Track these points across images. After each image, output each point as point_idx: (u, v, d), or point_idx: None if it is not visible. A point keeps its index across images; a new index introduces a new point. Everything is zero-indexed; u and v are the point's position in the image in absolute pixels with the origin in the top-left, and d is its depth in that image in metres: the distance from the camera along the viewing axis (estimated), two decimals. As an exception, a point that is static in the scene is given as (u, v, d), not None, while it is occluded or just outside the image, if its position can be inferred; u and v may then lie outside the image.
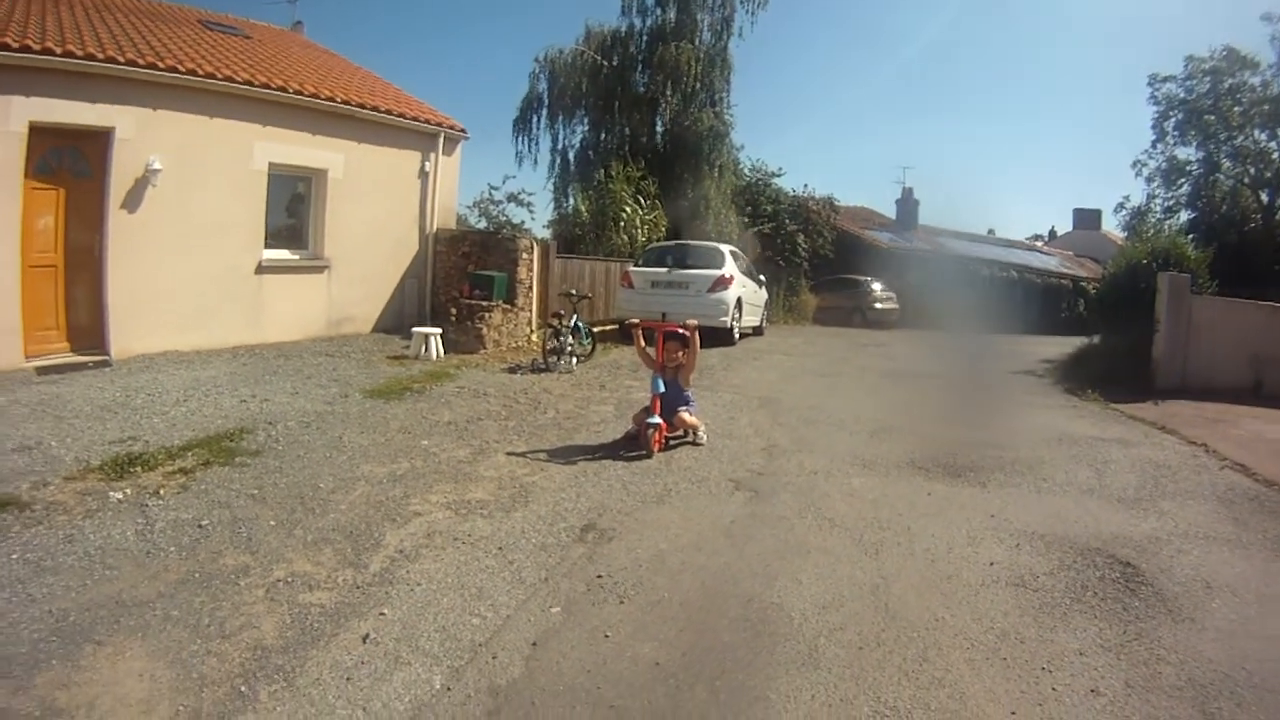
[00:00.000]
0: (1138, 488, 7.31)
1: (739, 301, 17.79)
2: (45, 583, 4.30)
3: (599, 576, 4.63)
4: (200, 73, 13.14)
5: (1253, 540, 5.99)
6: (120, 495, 5.75)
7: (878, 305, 30.49)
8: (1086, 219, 57.52)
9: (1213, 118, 41.46)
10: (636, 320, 9.19)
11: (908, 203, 43.63)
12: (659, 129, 32.03)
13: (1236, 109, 41.06)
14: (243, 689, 3.39)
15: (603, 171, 27.11)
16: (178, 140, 12.83)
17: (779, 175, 34.10)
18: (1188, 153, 44.67)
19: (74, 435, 7.41)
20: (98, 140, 11.99)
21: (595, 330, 15.91)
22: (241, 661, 3.61)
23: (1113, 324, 15.70)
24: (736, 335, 17.79)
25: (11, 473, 6.17)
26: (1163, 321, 13.54)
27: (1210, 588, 4.93)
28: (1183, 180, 45.03)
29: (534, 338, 16.20)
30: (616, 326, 17.47)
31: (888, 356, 18.46)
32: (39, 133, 11.22)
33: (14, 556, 4.60)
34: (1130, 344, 14.25)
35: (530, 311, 17.05)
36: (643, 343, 8.78)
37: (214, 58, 14.49)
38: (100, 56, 11.79)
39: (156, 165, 12.32)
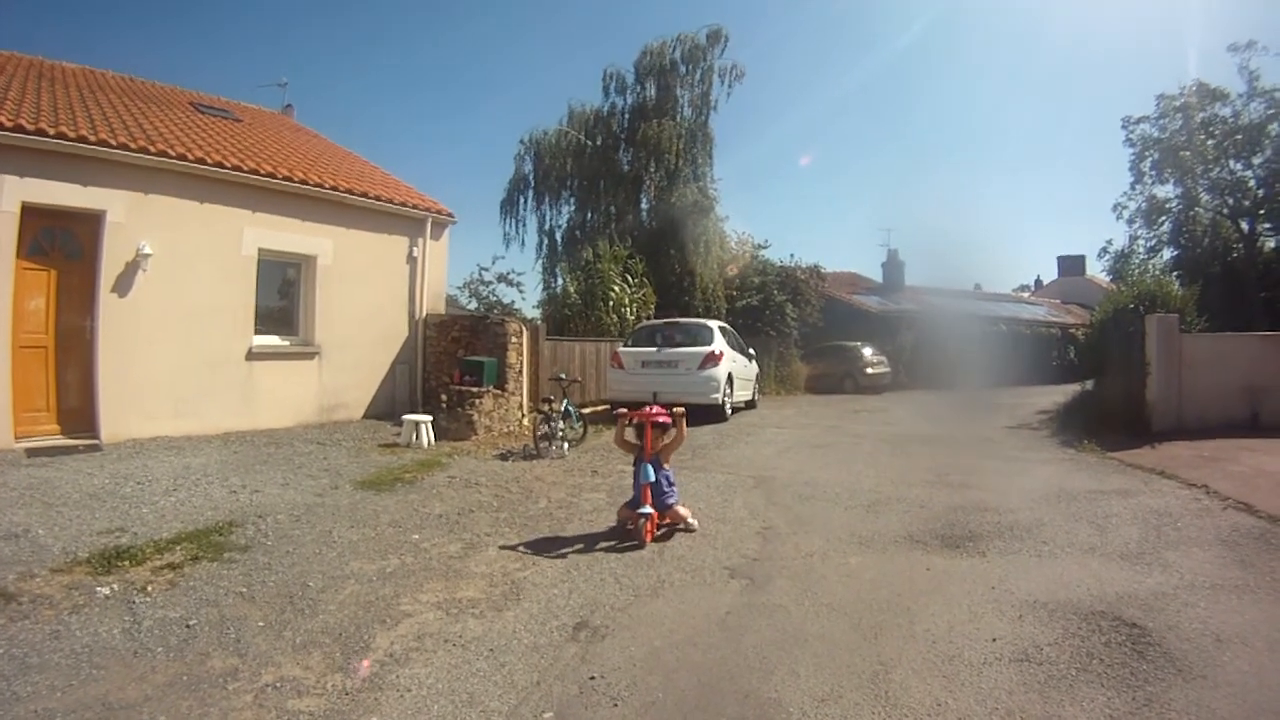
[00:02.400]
0: (1140, 540, 7.31)
1: (730, 377, 17.83)
2: (31, 681, 4.23)
3: (592, 678, 4.50)
4: (191, 157, 13.38)
5: (1260, 584, 6.00)
6: (107, 591, 5.68)
7: (869, 370, 30.65)
8: (1071, 265, 58.37)
9: (1188, 153, 42.12)
10: (624, 409, 9.13)
11: (893, 264, 44.12)
12: (644, 206, 32.43)
13: (1210, 142, 41.79)
14: None
15: (590, 251, 27.36)
16: (169, 224, 13.02)
17: (765, 247, 34.61)
18: (1166, 190, 45.44)
19: (62, 524, 7.38)
20: (89, 223, 12.19)
21: (587, 412, 15.92)
22: None
23: (1104, 370, 15.73)
24: (729, 411, 17.79)
25: None
26: (1154, 364, 13.64)
27: (1220, 640, 4.88)
28: (1163, 218, 45.61)
29: (525, 422, 16.16)
30: (609, 407, 17.40)
31: (882, 421, 18.48)
32: (31, 213, 11.41)
33: (0, 651, 4.54)
34: (1123, 389, 14.27)
35: (521, 395, 17.05)
36: (625, 433, 8.72)
37: (205, 142, 14.76)
38: (92, 139, 12.03)
39: (147, 250, 12.50)
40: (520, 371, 17.24)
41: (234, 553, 6.81)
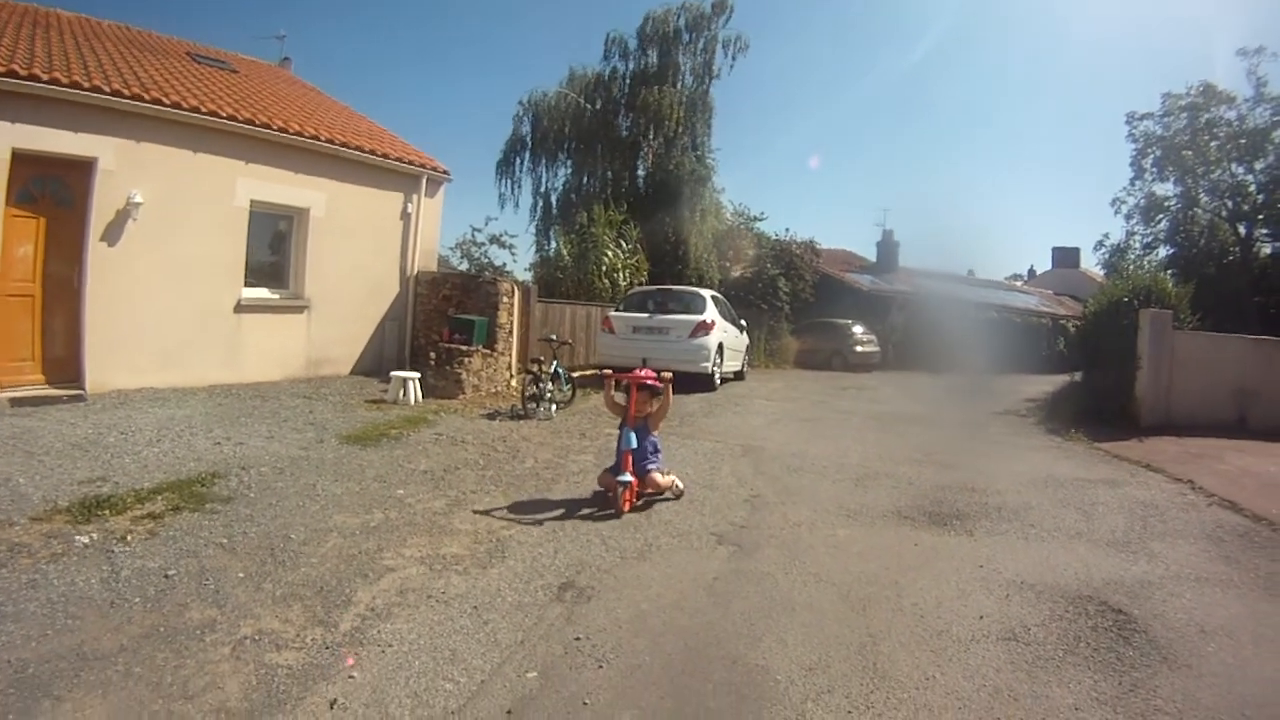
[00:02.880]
0: (1126, 529, 7.32)
1: (720, 347, 17.77)
2: (5, 630, 4.15)
3: (577, 639, 4.45)
4: (185, 106, 13.14)
5: (1245, 579, 6.01)
6: (86, 540, 5.59)
7: (858, 348, 30.52)
8: (1065, 257, 57.99)
9: (1190, 153, 42.19)
10: (609, 370, 9.03)
11: (888, 245, 43.85)
12: (641, 172, 32.37)
13: (1213, 144, 41.94)
14: None
15: (585, 215, 27.14)
16: (160, 174, 12.80)
17: (761, 219, 34.48)
18: (1166, 189, 45.73)
19: (43, 473, 7.28)
20: (80, 170, 11.96)
21: (575, 376, 15.80)
22: None
23: (1095, 362, 15.71)
24: (718, 380, 17.73)
25: None
26: (1145, 358, 13.59)
27: (1205, 632, 4.88)
28: (1161, 216, 45.85)
29: (514, 383, 16.06)
30: (597, 372, 17.32)
31: (870, 400, 18.47)
32: (21, 160, 11.19)
33: (-28, 598, 4.45)
34: (1113, 382, 14.25)
35: (510, 356, 16.93)
36: (613, 392, 8.48)
37: (200, 91, 14.51)
38: (86, 85, 11.81)
39: (138, 198, 12.29)
40: (510, 332, 17.10)
41: (216, 504, 6.71)
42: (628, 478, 7.36)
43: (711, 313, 17.81)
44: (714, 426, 12.57)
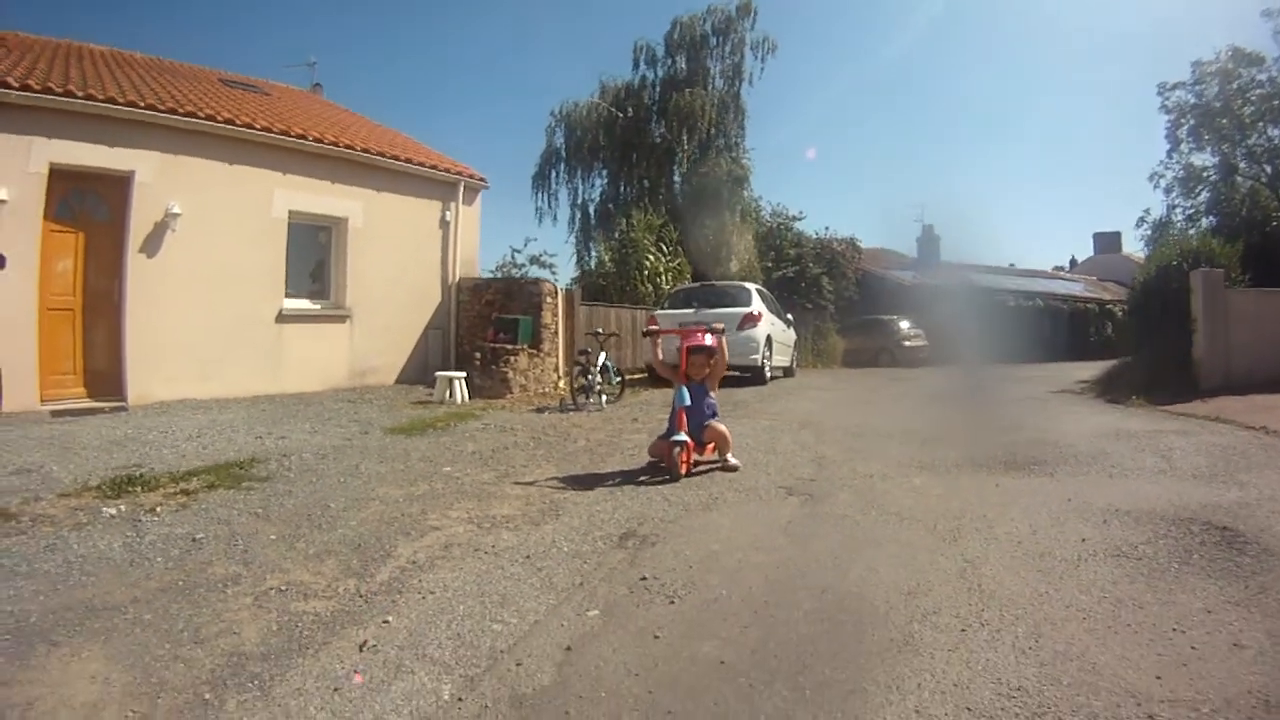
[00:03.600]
0: (1210, 467, 6.83)
1: (769, 339, 17.29)
2: (14, 586, 3.87)
3: (643, 579, 4.03)
4: (220, 119, 13.19)
5: None
6: (114, 511, 5.32)
7: (906, 343, 29.99)
8: (1106, 242, 56.80)
9: (1225, 120, 41.31)
10: (656, 326, 8.57)
11: (928, 240, 43.18)
12: (677, 177, 32.28)
13: (1247, 109, 40.93)
14: (207, 696, 2.83)
15: (624, 221, 26.82)
16: (197, 186, 12.79)
17: (800, 219, 33.99)
18: (1204, 159, 44.53)
19: (78, 464, 7.05)
20: (117, 184, 12.00)
21: (624, 377, 15.37)
22: (213, 668, 3.04)
23: (1149, 330, 15.09)
24: (768, 374, 17.22)
25: (5, 490, 5.87)
26: (1200, 320, 13.04)
27: (1318, 539, 4.44)
28: (1201, 187, 44.76)
29: (561, 385, 15.73)
30: (646, 373, 17.05)
31: (924, 386, 17.92)
32: (59, 175, 11.26)
33: (-13, 561, 4.17)
34: (1169, 348, 13.67)
35: (557, 358, 16.64)
36: (660, 355, 8.13)
37: (233, 107, 14.50)
38: (121, 100, 11.91)
39: (176, 209, 12.27)
40: (555, 333, 16.82)
41: (253, 483, 6.37)
42: (683, 437, 6.80)
43: (758, 304, 17.35)
44: (769, 409, 12.06)
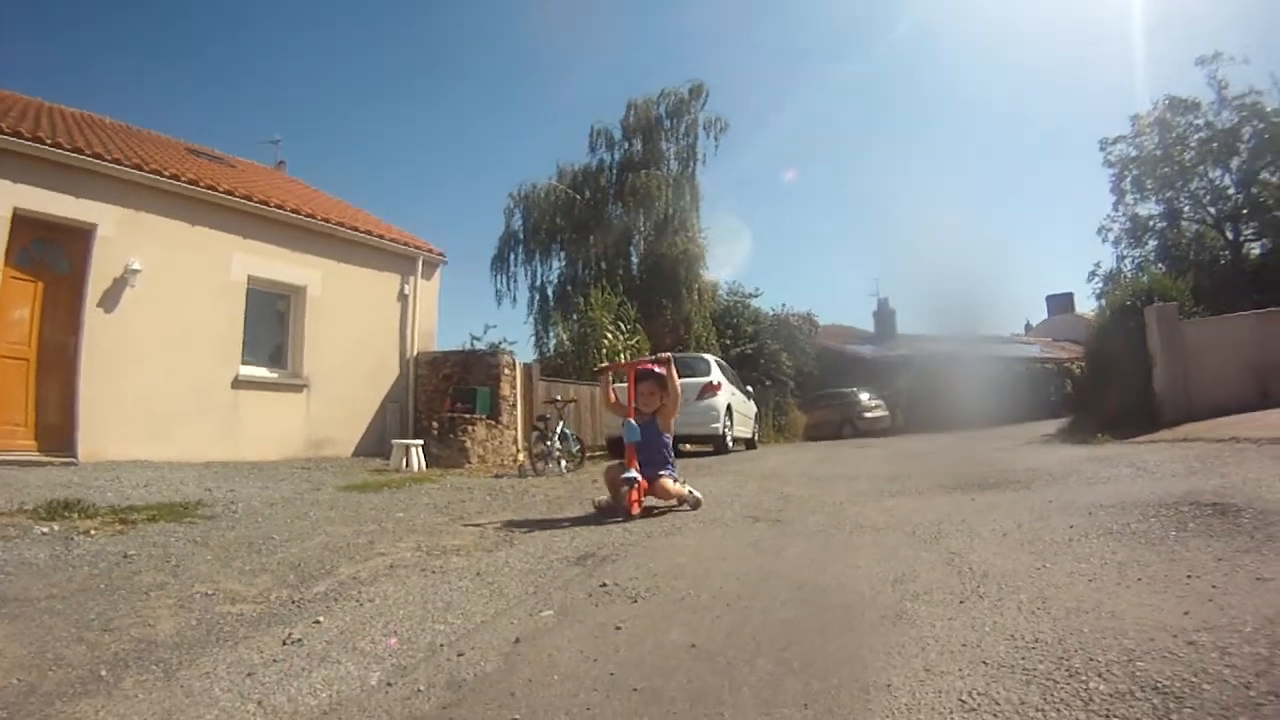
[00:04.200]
0: (1186, 468, 6.83)
1: (729, 408, 17.17)
2: None
3: (603, 585, 3.72)
4: (184, 179, 13.19)
5: None
6: (45, 529, 5.13)
7: (867, 414, 30.38)
8: (1060, 304, 58.03)
9: (1166, 168, 42.24)
10: (606, 364, 8.30)
11: (884, 312, 43.89)
12: (634, 258, 32.57)
13: (1188, 154, 41.85)
14: (103, 673, 2.58)
15: (582, 300, 26.79)
16: (159, 244, 12.71)
17: (756, 295, 34.45)
18: (1149, 208, 45.40)
19: (16, 494, 6.80)
20: (80, 236, 11.93)
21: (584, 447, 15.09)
22: (117, 652, 2.79)
23: (1108, 374, 15.11)
24: (729, 443, 16.98)
25: None
26: (1158, 354, 13.22)
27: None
28: (1148, 235, 45.52)
29: (520, 456, 15.43)
30: (606, 449, 16.96)
31: (886, 448, 17.73)
32: (23, 222, 11.16)
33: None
34: (1130, 386, 13.68)
35: (515, 430, 16.42)
36: (611, 390, 7.61)
37: (197, 171, 14.51)
38: (88, 151, 11.92)
39: (136, 265, 12.12)
40: (514, 405, 16.57)
41: (196, 519, 6.07)
42: (634, 474, 6.39)
43: (717, 374, 17.31)
44: (731, 469, 11.76)
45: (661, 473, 6.64)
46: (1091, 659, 2.30)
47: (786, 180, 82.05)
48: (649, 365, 7.19)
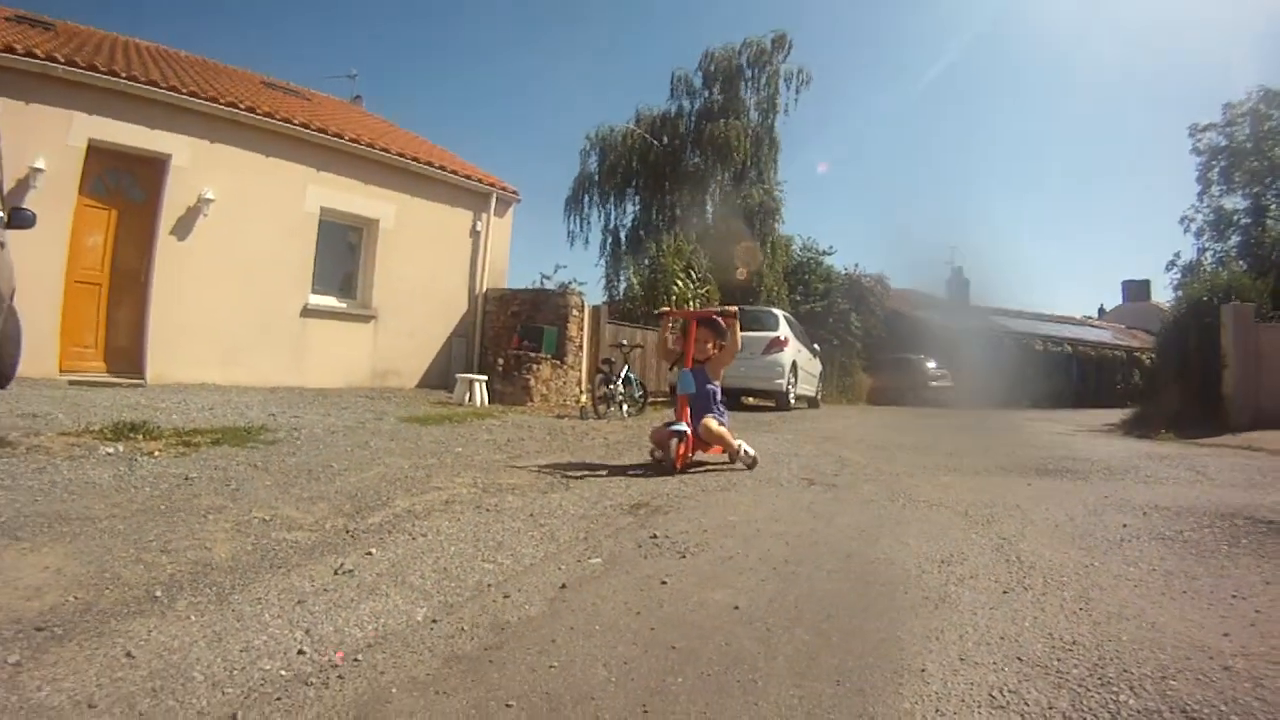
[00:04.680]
0: (1246, 479, 6.61)
1: (794, 365, 17.02)
2: None
3: (653, 537, 3.77)
4: (259, 111, 13.33)
5: None
6: (110, 450, 5.20)
7: (932, 384, 29.71)
8: (1136, 290, 56.37)
9: (1256, 162, 40.68)
10: (667, 308, 8.19)
11: (957, 282, 42.81)
12: (709, 207, 32.07)
13: (1278, 150, 40.17)
14: (158, 594, 2.64)
15: (654, 246, 26.59)
16: (232, 174, 12.90)
17: (830, 254, 33.80)
18: (1234, 201, 43.70)
19: (84, 414, 6.96)
20: (153, 166, 12.16)
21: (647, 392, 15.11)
22: (173, 573, 2.85)
23: (1178, 367, 14.74)
24: (791, 400, 16.86)
25: (8, 427, 5.77)
26: (1230, 355, 12.77)
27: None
28: (1231, 230, 43.86)
29: (583, 398, 15.44)
30: (670, 395, 16.88)
31: (948, 420, 17.63)
32: (97, 152, 11.44)
33: (-27, 473, 4.01)
34: (1198, 384, 13.34)
35: (580, 372, 16.42)
36: (667, 334, 7.62)
37: (273, 103, 14.63)
38: (162, 85, 12.10)
39: (210, 195, 12.37)
40: (580, 346, 16.64)
41: (258, 444, 6.17)
42: (683, 427, 6.25)
43: (785, 330, 17.13)
44: (792, 427, 11.74)
45: (708, 415, 6.51)
46: (1126, 670, 2.28)
47: (858, 149, 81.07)
48: (713, 314, 7.02)
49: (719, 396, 6.78)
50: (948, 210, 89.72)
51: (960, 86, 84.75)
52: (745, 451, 6.46)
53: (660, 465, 6.25)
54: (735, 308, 7.00)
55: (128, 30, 16.97)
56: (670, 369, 7.56)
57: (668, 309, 8.20)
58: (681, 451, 6.14)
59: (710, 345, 6.84)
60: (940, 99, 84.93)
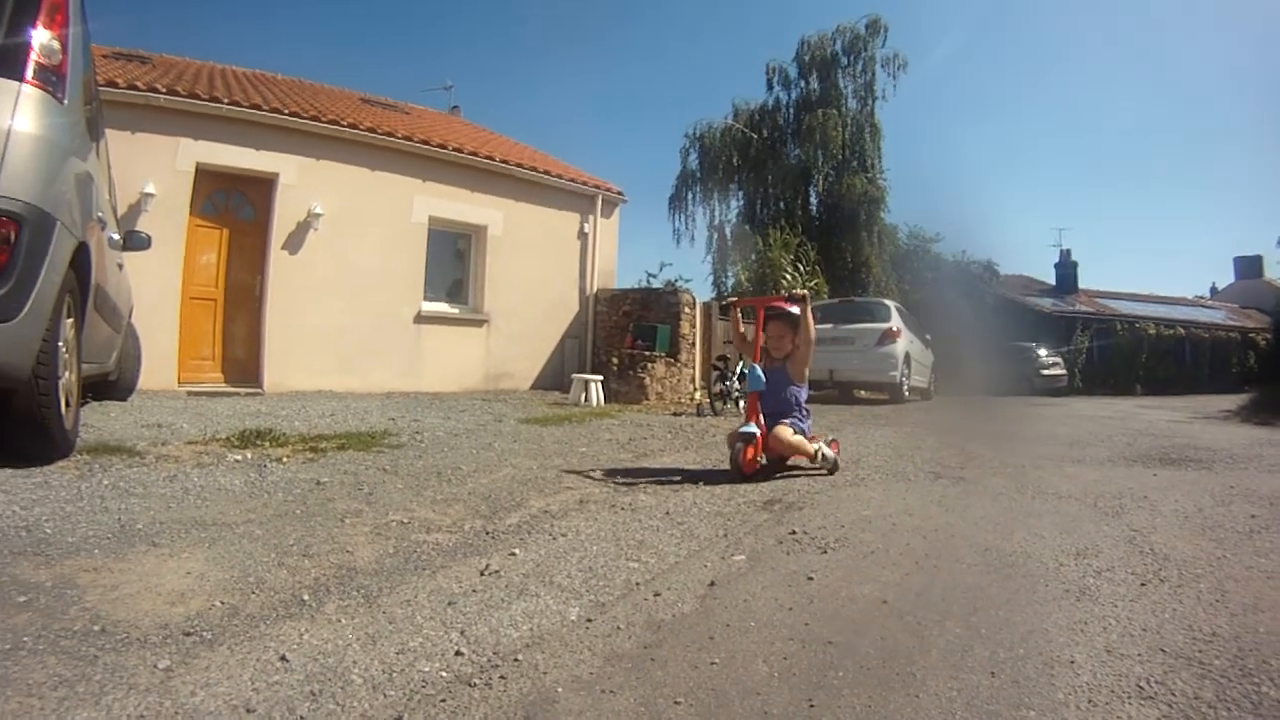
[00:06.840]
0: None
1: (907, 356, 16.86)
2: (127, 503, 3.84)
3: (792, 533, 3.82)
4: (362, 127, 13.75)
5: None
6: (239, 457, 5.36)
7: (1044, 372, 29.23)
8: (1248, 267, 53.17)
9: None
10: (735, 298, 8.10)
11: (1066, 265, 41.65)
12: (813, 199, 32.01)
13: None
14: (305, 598, 2.73)
15: (760, 239, 26.59)
16: (339, 190, 13.36)
17: (937, 240, 33.43)
18: None
19: (209, 423, 7.23)
20: (262, 185, 12.74)
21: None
22: (317, 577, 2.96)
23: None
24: (905, 392, 16.75)
25: (136, 437, 5.98)
26: (1354, 335, 12.22)
27: None
28: None
29: (697, 394, 15.59)
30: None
31: (1064, 409, 17.21)
32: (205, 175, 12.02)
33: (105, 483, 4.19)
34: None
35: (693, 369, 16.58)
36: (740, 327, 7.00)
37: (374, 119, 15.09)
38: (265, 107, 12.59)
39: (319, 210, 12.82)
40: (693, 344, 16.78)
41: (384, 448, 6.35)
42: (752, 429, 5.59)
43: (897, 321, 16.98)
44: (911, 419, 11.66)
45: (784, 420, 5.80)
46: (1265, 661, 2.28)
47: (971, 124, 79.58)
48: (781, 303, 6.27)
49: (802, 399, 6.06)
50: (1056, 189, 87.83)
51: (1080, 69, 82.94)
52: (824, 455, 5.82)
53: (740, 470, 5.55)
54: (803, 291, 6.25)
55: (218, 58, 17.59)
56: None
57: (735, 299, 7.96)
58: (750, 456, 5.56)
59: (788, 341, 6.08)
60: (1055, 79, 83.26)
